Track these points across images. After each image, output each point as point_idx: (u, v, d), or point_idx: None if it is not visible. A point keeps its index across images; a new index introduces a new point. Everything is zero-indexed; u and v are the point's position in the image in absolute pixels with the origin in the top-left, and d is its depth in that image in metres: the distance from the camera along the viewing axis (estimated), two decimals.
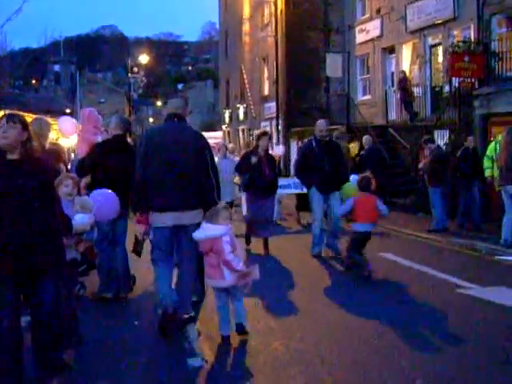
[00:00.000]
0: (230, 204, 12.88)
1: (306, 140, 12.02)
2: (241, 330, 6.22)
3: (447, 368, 5.36)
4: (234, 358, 5.67)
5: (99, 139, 9.35)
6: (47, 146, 8.32)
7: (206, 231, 5.92)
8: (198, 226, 6.13)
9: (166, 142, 6.38)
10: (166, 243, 6.43)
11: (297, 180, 13.10)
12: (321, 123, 11.09)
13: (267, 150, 11.55)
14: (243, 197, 12.72)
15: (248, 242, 11.52)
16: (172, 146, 6.33)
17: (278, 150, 19.66)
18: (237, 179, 13.47)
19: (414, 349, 5.87)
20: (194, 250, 6.31)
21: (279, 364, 5.51)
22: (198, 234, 5.97)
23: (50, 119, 16.22)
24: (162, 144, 6.38)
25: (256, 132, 10.82)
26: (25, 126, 4.77)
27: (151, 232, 6.56)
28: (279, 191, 12.47)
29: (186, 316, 6.51)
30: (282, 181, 13.53)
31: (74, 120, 11.30)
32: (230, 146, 19.94)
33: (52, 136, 14.39)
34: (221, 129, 41.80)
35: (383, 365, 5.46)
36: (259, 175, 10.93)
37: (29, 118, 8.48)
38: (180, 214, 6.28)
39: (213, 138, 32.88)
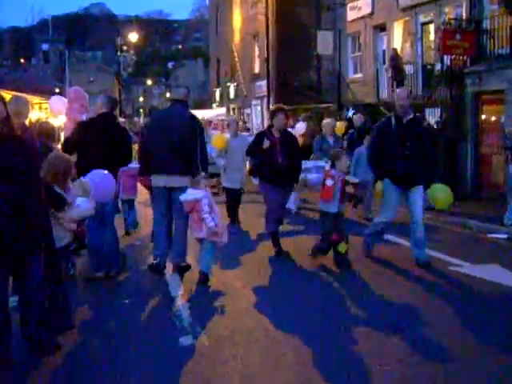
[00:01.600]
0: (239, 191, 12.26)
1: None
2: (202, 276, 7.48)
3: (438, 346, 5.38)
4: (225, 336, 5.64)
5: (84, 117, 9.27)
6: (27, 123, 8.23)
7: (190, 194, 7.41)
8: (186, 188, 7.61)
9: (168, 122, 7.99)
10: (161, 200, 7.98)
11: (320, 163, 12.09)
12: (401, 93, 8.56)
13: (285, 131, 9.33)
14: (255, 180, 10.38)
15: (275, 243, 9.15)
16: (171, 125, 7.87)
17: (299, 128, 16.45)
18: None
19: (402, 324, 5.88)
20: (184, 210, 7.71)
21: (271, 342, 5.51)
22: (183, 197, 7.42)
23: (39, 98, 16.10)
24: (164, 123, 8.07)
25: (271, 108, 8.83)
26: (4, 103, 4.69)
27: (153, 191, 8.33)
28: (302, 175, 9.89)
29: (183, 264, 7.95)
30: (304, 163, 10.81)
31: (65, 99, 11.15)
32: (239, 124, 19.16)
33: (42, 115, 14.31)
34: (211, 107, 41.48)
35: (372, 343, 5.47)
36: (270, 162, 8.87)
37: (7, 95, 8.41)
38: (171, 178, 7.77)
39: (215, 115, 32.15)
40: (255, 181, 10.26)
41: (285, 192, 9.19)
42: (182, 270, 7.89)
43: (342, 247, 8.29)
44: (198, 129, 7.93)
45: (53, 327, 5.32)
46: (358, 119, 16.41)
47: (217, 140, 13.32)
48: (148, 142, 8.20)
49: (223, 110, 36.85)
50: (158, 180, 7.87)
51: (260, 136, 9.43)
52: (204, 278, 7.45)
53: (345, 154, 8.86)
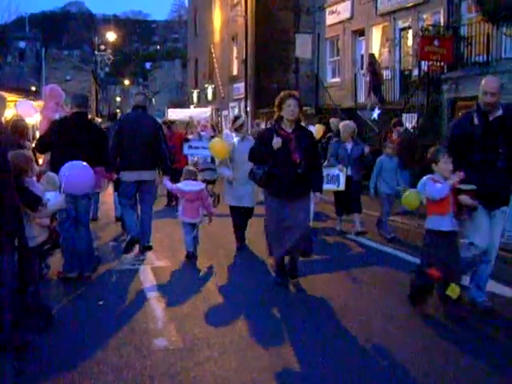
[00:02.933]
0: (250, 210, 9.75)
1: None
2: (191, 254, 8.90)
3: (421, 351, 5.39)
4: (199, 338, 5.60)
5: (56, 116, 9.20)
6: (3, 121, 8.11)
7: (195, 185, 8.97)
8: (153, 182, 9.27)
9: (134, 124, 9.18)
10: (130, 192, 9.19)
11: (335, 171, 10.75)
12: (491, 81, 6.49)
13: (298, 123, 7.26)
14: (261, 195, 8.75)
15: (280, 274, 7.58)
16: (137, 126, 9.09)
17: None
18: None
19: (387, 325, 5.88)
20: (151, 198, 9.47)
21: (246, 344, 5.48)
22: (194, 188, 8.88)
23: (15, 96, 15.93)
24: (130, 125, 9.18)
25: (281, 95, 7.13)
26: None
27: (121, 184, 9.29)
28: None
29: (148, 244, 9.39)
30: None
31: (31, 102, 11.07)
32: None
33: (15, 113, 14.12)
34: (189, 108, 41.31)
35: (349, 339, 5.46)
36: (284, 166, 7.03)
37: None
38: (141, 173, 9.02)
39: (200, 114, 31.34)
40: (262, 196, 8.53)
41: (303, 206, 7.28)
42: (148, 248, 9.37)
43: (452, 290, 6.08)
44: (160, 129, 9.51)
45: (25, 327, 5.24)
46: (334, 124, 16.40)
47: (218, 148, 9.85)
48: (119, 144, 9.03)
49: (207, 109, 35.17)
50: (130, 175, 9.02)
51: (266, 134, 7.43)
52: (192, 255, 8.91)
53: (446, 152, 6.29)
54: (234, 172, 9.43)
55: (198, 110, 35.60)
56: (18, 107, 11.72)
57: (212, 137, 16.85)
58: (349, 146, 11.07)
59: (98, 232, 10.56)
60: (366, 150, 11.13)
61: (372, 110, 19.79)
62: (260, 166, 7.25)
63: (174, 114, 32.96)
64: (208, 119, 20.37)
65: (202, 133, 16.42)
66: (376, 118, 18.44)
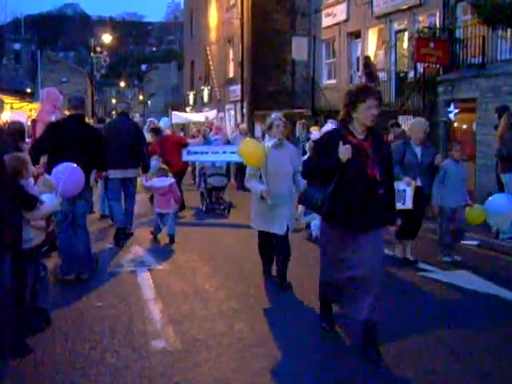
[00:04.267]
0: (283, 240, 7.43)
1: None
2: (172, 238, 10.33)
3: (408, 350, 5.41)
4: (197, 340, 5.62)
5: (53, 119, 9.22)
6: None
7: (165, 181, 10.49)
8: (135, 178, 10.80)
9: (119, 129, 10.51)
10: (118, 188, 10.64)
11: (400, 185, 8.15)
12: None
13: (373, 128, 5.34)
14: (314, 226, 7.85)
15: (325, 318, 5.96)
16: (122, 131, 10.40)
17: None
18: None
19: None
20: (134, 192, 10.96)
21: (243, 346, 5.49)
22: (163, 183, 10.41)
23: (11, 98, 15.96)
24: (116, 130, 10.46)
25: (357, 89, 5.43)
26: None
27: (109, 181, 10.66)
28: None
29: (130, 231, 10.81)
30: None
31: (23, 114, 11.27)
32: (242, 126, 17.63)
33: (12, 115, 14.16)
34: (185, 110, 41.24)
35: (346, 348, 5.48)
36: (357, 183, 5.14)
37: None
38: (126, 171, 10.41)
39: (207, 117, 30.86)
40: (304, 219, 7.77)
41: (378, 244, 5.33)
42: (129, 234, 10.69)
43: None
44: (141, 134, 11.14)
45: (22, 330, 5.25)
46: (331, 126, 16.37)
47: (250, 152, 7.42)
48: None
49: (212, 112, 33.53)
50: (117, 173, 10.25)
51: (328, 140, 5.34)
52: (173, 239, 10.32)
53: None
54: (268, 187, 7.21)
55: (196, 114, 35.04)
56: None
57: (227, 142, 16.60)
58: (418, 150, 8.72)
59: (95, 233, 10.56)
60: (439, 158, 8.95)
61: (448, 105, 16.42)
62: (319, 186, 5.24)
63: (177, 117, 32.73)
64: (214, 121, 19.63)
65: (216, 136, 15.95)
66: (452, 118, 16.31)
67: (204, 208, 14.17)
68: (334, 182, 5.11)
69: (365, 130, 5.25)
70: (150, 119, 16.85)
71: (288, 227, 7.38)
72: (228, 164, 14.75)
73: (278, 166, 7.25)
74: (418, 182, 8.63)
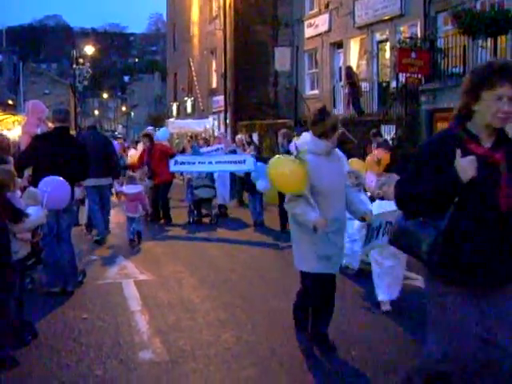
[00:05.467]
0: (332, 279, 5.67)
1: None
2: (139, 235, 11.25)
3: (389, 358, 5.45)
4: (184, 351, 5.62)
5: (38, 131, 9.20)
6: None
7: (133, 188, 11.43)
8: (110, 186, 11.85)
9: (90, 140, 11.05)
10: (96, 196, 11.45)
11: None
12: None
13: (503, 131, 3.44)
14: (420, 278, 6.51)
15: None
16: (93, 143, 10.95)
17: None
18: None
19: (361, 336, 5.93)
20: (109, 197, 12.08)
21: (230, 356, 5.50)
22: (132, 190, 11.34)
23: None
24: (88, 142, 10.57)
25: (484, 69, 3.32)
26: None
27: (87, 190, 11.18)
28: None
29: (108, 231, 11.97)
30: None
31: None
32: (238, 137, 16.80)
33: None
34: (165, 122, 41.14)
35: (333, 354, 5.51)
36: (487, 213, 3.36)
37: None
38: (100, 179, 11.14)
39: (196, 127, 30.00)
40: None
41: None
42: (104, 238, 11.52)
43: None
44: (110, 145, 12.07)
45: (7, 343, 5.24)
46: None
47: (286, 173, 5.42)
48: None
49: (209, 119, 32.68)
50: (91, 181, 10.31)
51: (440, 148, 3.44)
52: (140, 235, 11.28)
53: None
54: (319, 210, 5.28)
55: (194, 121, 33.76)
56: None
57: (233, 151, 15.14)
58: None
59: (80, 246, 10.52)
60: None
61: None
62: (424, 222, 3.47)
63: (174, 126, 32.15)
64: (221, 131, 17.89)
65: (218, 145, 15.26)
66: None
67: (191, 219, 13.96)
68: (450, 215, 3.38)
69: (492, 133, 3.44)
70: (150, 128, 16.62)
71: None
72: (211, 175, 14.33)
73: (330, 180, 5.39)
74: None
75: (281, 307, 7.12)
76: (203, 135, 17.79)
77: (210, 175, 14.23)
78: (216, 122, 32.42)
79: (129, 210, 11.41)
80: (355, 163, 9.09)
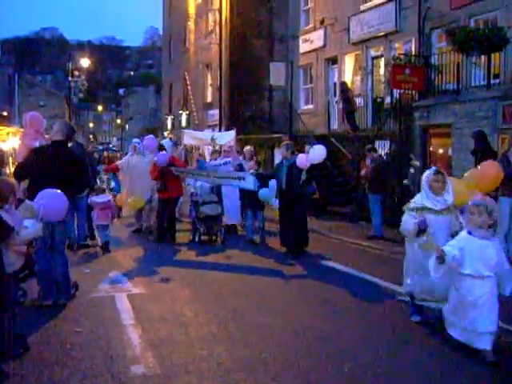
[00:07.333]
0: None
1: None
2: (107, 246, 11.94)
3: (387, 374, 5.45)
4: (177, 365, 5.61)
5: (37, 144, 9.20)
6: None
7: (102, 197, 12.06)
8: (83, 197, 11.76)
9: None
10: (71, 206, 9.99)
11: None
12: None
13: None
14: None
15: None
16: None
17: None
18: None
19: (357, 353, 5.94)
20: (84, 208, 12.17)
21: (223, 370, 5.49)
22: (100, 200, 11.94)
23: None
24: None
25: None
26: None
27: None
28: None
29: (84, 242, 12.34)
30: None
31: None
32: (246, 149, 15.77)
33: None
34: (163, 135, 40.87)
35: (326, 369, 5.51)
36: None
37: None
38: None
39: (198, 139, 29.54)
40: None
41: None
42: (85, 246, 12.24)
43: None
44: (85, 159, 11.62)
45: (0, 355, 5.22)
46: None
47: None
48: None
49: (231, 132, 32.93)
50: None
51: None
52: (108, 247, 11.92)
53: None
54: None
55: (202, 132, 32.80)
56: None
57: (239, 165, 14.24)
58: None
59: (72, 258, 10.50)
60: None
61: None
62: None
63: (190, 137, 31.41)
64: (232, 143, 16.76)
65: (226, 159, 14.51)
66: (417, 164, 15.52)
67: (197, 239, 13.01)
68: None
69: None
70: (135, 141, 15.90)
71: None
72: (217, 189, 13.82)
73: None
74: None
75: (274, 322, 7.14)
76: (214, 147, 16.83)
77: (216, 190, 13.83)
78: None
79: (99, 218, 12.08)
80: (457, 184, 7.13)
